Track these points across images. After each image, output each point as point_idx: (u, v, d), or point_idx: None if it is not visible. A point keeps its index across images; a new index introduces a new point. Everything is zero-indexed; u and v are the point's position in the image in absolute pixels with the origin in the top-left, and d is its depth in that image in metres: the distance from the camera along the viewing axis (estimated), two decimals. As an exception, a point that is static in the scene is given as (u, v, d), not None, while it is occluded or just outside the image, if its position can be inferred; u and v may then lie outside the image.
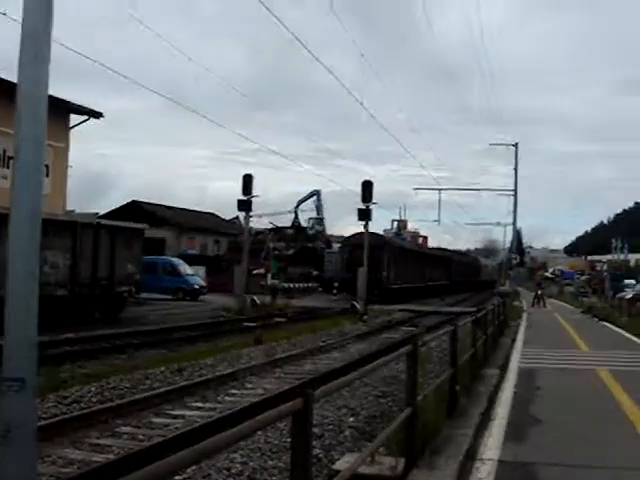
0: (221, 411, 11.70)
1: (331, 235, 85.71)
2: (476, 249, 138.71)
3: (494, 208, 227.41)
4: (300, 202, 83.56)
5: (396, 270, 54.28)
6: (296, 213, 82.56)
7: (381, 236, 60.98)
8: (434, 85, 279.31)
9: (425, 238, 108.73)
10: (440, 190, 67.04)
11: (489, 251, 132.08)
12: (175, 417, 11.56)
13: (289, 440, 4.39)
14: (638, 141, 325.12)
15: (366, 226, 36.58)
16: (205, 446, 2.83)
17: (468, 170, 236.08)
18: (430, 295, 59.91)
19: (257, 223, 67.77)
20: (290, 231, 77.47)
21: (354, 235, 51.99)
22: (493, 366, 15.69)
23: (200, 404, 12.68)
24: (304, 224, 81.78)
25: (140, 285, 32.43)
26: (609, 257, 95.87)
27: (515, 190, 63.92)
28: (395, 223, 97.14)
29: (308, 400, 3.57)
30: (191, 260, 54.06)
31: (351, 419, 11.25)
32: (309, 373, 16.55)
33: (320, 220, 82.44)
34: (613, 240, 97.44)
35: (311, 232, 79.65)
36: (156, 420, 11.31)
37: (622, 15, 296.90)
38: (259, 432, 9.06)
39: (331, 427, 10.58)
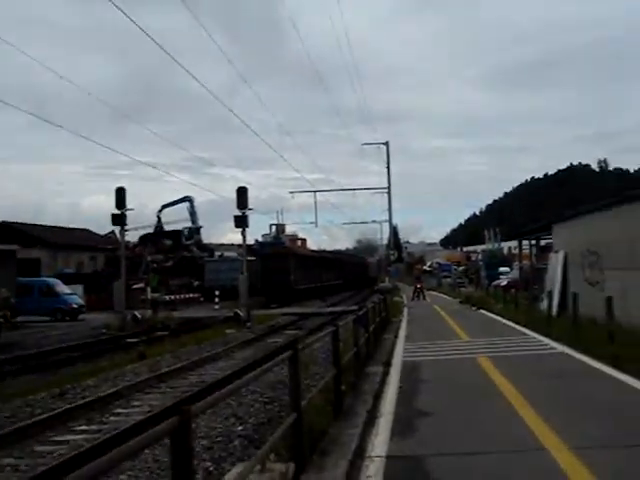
0: (107, 432, 11.44)
1: (210, 243, 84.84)
2: (355, 248, 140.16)
3: (371, 206, 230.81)
4: (165, 206, 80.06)
5: (300, 274, 60.88)
6: (159, 218, 79.32)
7: (286, 246, 76.82)
8: (305, 89, 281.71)
9: (304, 240, 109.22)
10: (315, 192, 67.97)
11: (367, 249, 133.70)
12: (59, 443, 11.23)
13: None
14: (503, 134, 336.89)
15: (243, 232, 36.37)
16: (82, 473, 2.74)
17: (343, 171, 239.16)
18: (329, 293, 67.76)
19: (134, 237, 66.63)
20: (168, 242, 75.90)
21: (270, 245, 70.30)
22: (377, 363, 15.89)
23: (85, 427, 12.38)
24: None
25: (15, 309, 31.38)
26: (483, 247, 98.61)
27: (389, 188, 65.12)
28: (273, 227, 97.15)
29: (185, 417, 3.50)
30: (68, 279, 52.60)
31: (240, 428, 11.20)
32: (195, 385, 16.38)
33: (197, 229, 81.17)
34: (486, 230, 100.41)
35: (189, 242, 78.33)
36: (40, 448, 10.96)
37: (475, 15, 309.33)
38: (147, 450, 8.91)
39: (220, 438, 10.50)
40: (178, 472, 3.58)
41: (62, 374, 19.88)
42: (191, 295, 60.13)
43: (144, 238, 73.37)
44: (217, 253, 78.15)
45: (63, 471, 7.63)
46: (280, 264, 56.40)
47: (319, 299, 58.89)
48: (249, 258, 65.09)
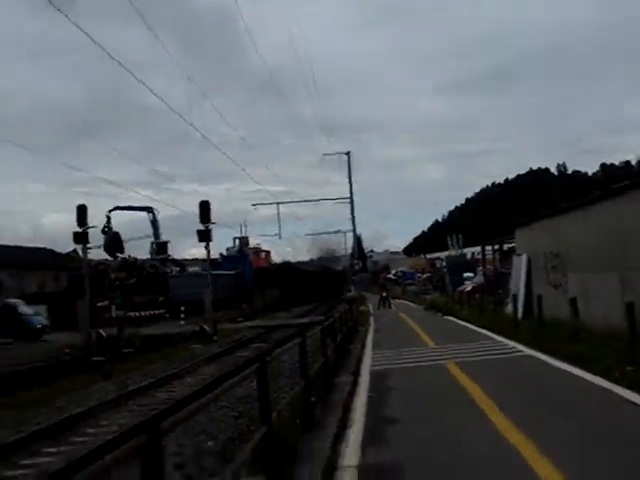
0: (74, 453, 11.26)
1: (173, 259, 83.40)
2: (319, 258, 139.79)
3: (334, 216, 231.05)
4: (119, 208, 72.36)
5: (304, 283, 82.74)
6: (108, 218, 72.14)
7: (294, 264, 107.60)
8: (265, 101, 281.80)
9: (268, 252, 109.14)
10: (278, 204, 68.17)
11: (330, 260, 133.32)
12: (26, 467, 11.04)
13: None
14: (462, 141, 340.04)
15: (207, 247, 36.20)
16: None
17: (305, 182, 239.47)
18: (321, 299, 78.87)
19: (97, 254, 65.34)
20: (132, 258, 74.00)
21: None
22: (346, 373, 15.86)
23: (52, 449, 12.17)
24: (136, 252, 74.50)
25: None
26: (446, 253, 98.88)
27: (351, 198, 65.44)
28: (237, 241, 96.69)
29: (155, 434, 3.43)
30: (31, 299, 51.88)
31: (210, 444, 11.09)
32: (164, 402, 16.22)
33: (164, 244, 78.65)
34: (448, 237, 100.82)
35: (160, 257, 76.08)
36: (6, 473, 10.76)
37: (431, 23, 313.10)
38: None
39: (191, 455, 10.39)
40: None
41: (31, 396, 19.47)
42: (156, 312, 59.59)
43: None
44: (193, 269, 76.39)
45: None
46: (289, 277, 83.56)
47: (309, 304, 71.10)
48: (223, 272, 63.91)
